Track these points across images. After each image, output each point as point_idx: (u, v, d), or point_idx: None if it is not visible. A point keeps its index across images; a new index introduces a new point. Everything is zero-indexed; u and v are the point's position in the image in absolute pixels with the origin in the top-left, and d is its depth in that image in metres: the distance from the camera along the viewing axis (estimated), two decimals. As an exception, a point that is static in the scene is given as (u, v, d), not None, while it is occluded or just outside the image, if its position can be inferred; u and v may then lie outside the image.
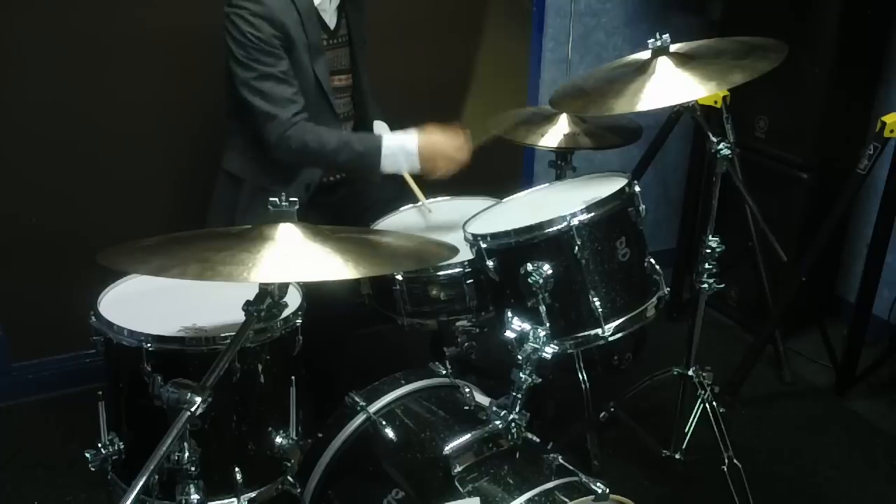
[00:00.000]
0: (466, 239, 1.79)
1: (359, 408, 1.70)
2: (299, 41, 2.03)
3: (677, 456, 2.19)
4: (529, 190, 2.08)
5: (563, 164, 2.33)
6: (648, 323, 1.82)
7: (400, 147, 1.95)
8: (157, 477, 1.27)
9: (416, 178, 2.25)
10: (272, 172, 2.06)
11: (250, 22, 1.96)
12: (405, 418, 1.69)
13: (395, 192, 2.30)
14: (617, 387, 2.34)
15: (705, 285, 2.03)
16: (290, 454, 1.61)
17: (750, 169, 2.90)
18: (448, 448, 1.50)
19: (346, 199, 2.33)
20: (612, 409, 2.30)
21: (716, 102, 2.70)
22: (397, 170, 1.97)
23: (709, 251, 2.00)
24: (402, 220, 2.17)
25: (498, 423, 1.54)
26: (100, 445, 1.55)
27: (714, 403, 2.13)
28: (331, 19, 2.17)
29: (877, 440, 2.59)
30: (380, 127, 2.38)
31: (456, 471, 1.50)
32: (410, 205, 2.22)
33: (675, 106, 1.92)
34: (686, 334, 2.14)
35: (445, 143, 1.85)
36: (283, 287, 1.31)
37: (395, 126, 2.40)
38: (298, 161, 2.06)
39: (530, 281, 1.68)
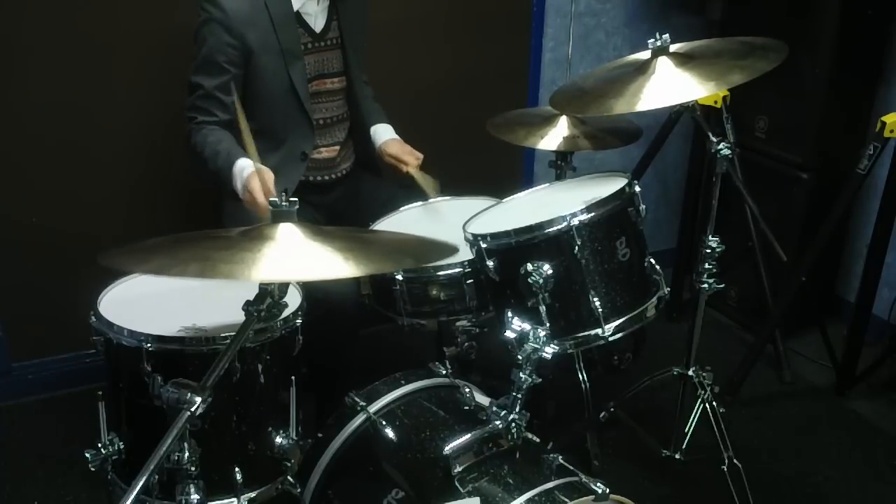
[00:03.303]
0: (466, 239, 1.79)
1: (359, 408, 1.70)
2: (269, 48, 2.06)
3: (677, 456, 2.19)
4: (529, 190, 2.08)
5: (563, 164, 2.33)
6: (648, 323, 1.82)
7: (239, 173, 1.96)
8: (157, 477, 1.27)
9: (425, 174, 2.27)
10: None
11: (208, 26, 2.02)
12: (405, 418, 1.69)
13: (393, 192, 2.30)
14: (617, 387, 2.34)
15: (705, 285, 2.03)
16: (290, 454, 1.61)
17: (750, 169, 2.90)
18: (448, 448, 1.51)
19: (343, 200, 2.33)
20: (612, 409, 2.30)
21: (716, 102, 2.70)
22: (237, 189, 1.98)
23: (709, 251, 2.00)
24: (402, 220, 2.17)
25: (498, 423, 1.54)
26: (100, 445, 1.55)
27: (714, 403, 2.13)
28: (317, 22, 2.17)
29: (877, 440, 2.59)
30: (383, 130, 2.37)
31: (456, 471, 1.51)
32: (412, 204, 2.22)
33: (675, 106, 1.92)
34: (686, 334, 2.15)
35: (255, 189, 1.87)
36: (283, 287, 1.31)
37: (395, 127, 2.41)
38: (196, 161, 2.08)
39: (530, 281, 1.68)
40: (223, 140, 2.03)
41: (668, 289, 1.86)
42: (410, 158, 2.28)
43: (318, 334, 1.72)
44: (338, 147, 2.30)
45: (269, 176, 1.88)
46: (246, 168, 1.94)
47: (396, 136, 2.36)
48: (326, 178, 2.29)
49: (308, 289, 1.70)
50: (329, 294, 1.93)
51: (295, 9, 2.10)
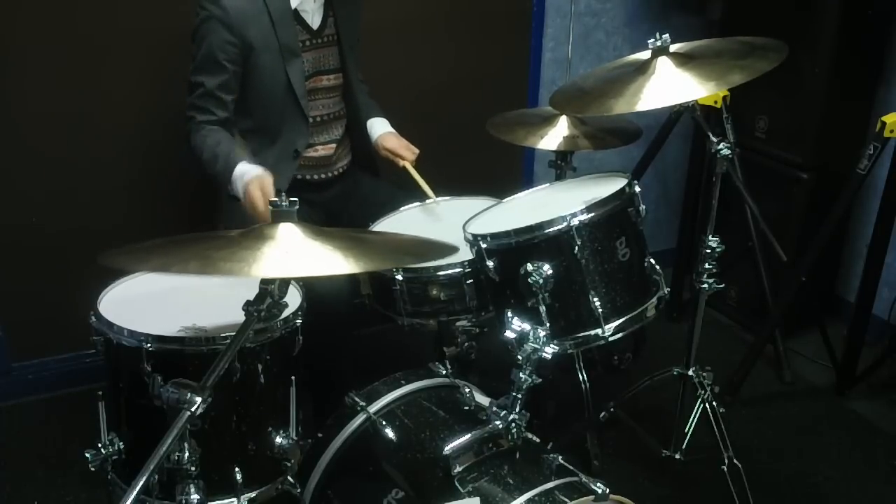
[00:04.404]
0: (466, 239, 1.79)
1: (359, 408, 1.70)
2: (268, 45, 2.06)
3: (677, 456, 2.19)
4: (529, 190, 2.08)
5: (563, 165, 2.33)
6: (648, 323, 1.82)
7: (240, 178, 1.96)
8: (157, 477, 1.27)
9: (422, 173, 2.26)
10: None
11: (208, 24, 2.01)
12: (405, 418, 1.69)
13: (392, 193, 2.30)
14: (617, 387, 2.34)
15: (705, 285, 2.03)
16: (290, 454, 1.61)
17: (750, 169, 2.90)
18: (448, 448, 1.51)
19: (340, 198, 2.33)
20: (612, 409, 2.30)
21: (716, 102, 2.70)
22: (238, 194, 1.98)
23: (709, 251, 2.00)
24: (402, 221, 2.17)
25: (498, 423, 1.54)
26: (100, 445, 1.55)
27: (714, 403, 2.13)
28: (314, 19, 2.17)
29: (877, 440, 2.59)
30: (380, 124, 2.37)
31: (456, 471, 1.51)
32: (412, 204, 2.22)
33: (675, 106, 1.92)
34: (686, 334, 2.15)
35: (257, 198, 1.88)
36: (283, 287, 1.31)
37: (395, 127, 2.41)
38: (196, 162, 2.08)
39: (530, 281, 1.68)
40: (221, 142, 2.03)
41: (668, 289, 1.86)
42: (407, 153, 2.28)
43: (318, 335, 1.72)
44: (334, 145, 2.30)
45: (269, 181, 1.90)
46: (246, 173, 1.95)
47: (393, 130, 2.36)
48: (323, 175, 2.29)
49: (308, 290, 1.70)
50: (321, 297, 1.92)
51: (292, 6, 2.10)
